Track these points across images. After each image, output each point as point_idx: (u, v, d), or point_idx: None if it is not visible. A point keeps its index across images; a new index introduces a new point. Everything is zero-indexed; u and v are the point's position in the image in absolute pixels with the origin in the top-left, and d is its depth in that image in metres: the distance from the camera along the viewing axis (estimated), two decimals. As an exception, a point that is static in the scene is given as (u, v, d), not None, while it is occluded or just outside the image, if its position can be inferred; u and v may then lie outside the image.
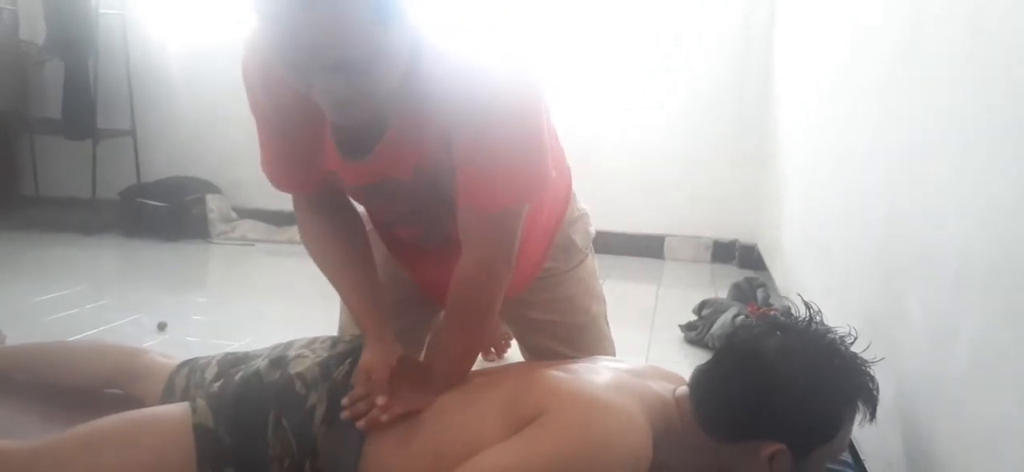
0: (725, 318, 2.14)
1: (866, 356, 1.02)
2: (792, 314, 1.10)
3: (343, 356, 1.18)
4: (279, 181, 1.23)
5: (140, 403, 1.38)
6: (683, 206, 3.38)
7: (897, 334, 1.14)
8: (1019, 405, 0.75)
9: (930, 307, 1.03)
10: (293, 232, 3.18)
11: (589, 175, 1.73)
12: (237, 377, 1.17)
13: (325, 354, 1.18)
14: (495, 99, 1.01)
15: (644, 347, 2.13)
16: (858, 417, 1.02)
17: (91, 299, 2.36)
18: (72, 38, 3.44)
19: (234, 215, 3.62)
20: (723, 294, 2.48)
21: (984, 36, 0.91)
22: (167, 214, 3.41)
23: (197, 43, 3.61)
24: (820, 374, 0.99)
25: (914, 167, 1.14)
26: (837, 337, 1.02)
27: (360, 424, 1.08)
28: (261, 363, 1.18)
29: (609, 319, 1.53)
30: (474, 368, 1.23)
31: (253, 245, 3.38)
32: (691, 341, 2.18)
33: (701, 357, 1.56)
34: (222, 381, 1.18)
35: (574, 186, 1.43)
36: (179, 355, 1.49)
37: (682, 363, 1.94)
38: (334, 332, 1.45)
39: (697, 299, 2.33)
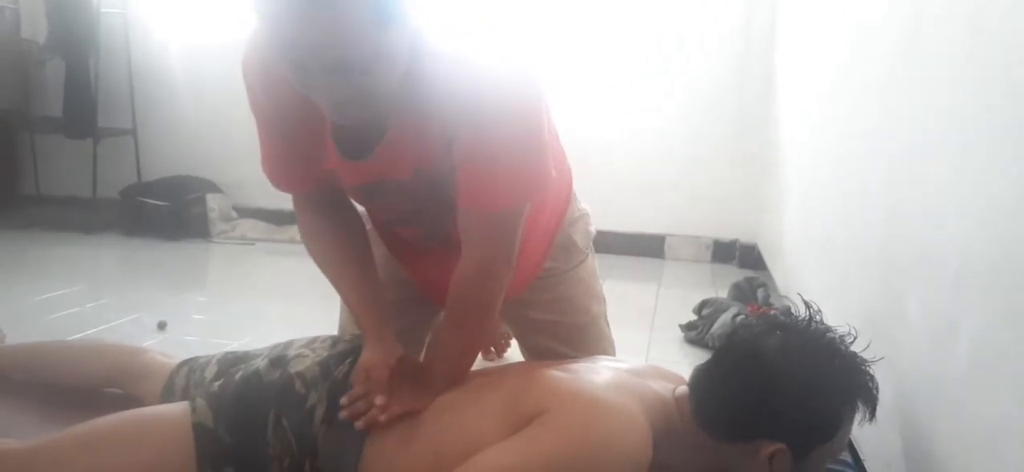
0: (725, 318, 2.14)
1: (866, 355, 1.02)
2: (792, 314, 1.10)
3: (343, 355, 1.18)
4: (279, 180, 1.23)
5: (140, 402, 1.38)
6: (683, 206, 3.38)
7: (897, 334, 1.14)
8: (1019, 405, 0.75)
9: (930, 307, 1.03)
10: (293, 231, 3.17)
11: (589, 175, 1.73)
12: (237, 376, 1.17)
13: (325, 353, 1.18)
14: (495, 99, 1.01)
15: (644, 347, 2.13)
16: (858, 416, 1.02)
17: (91, 298, 2.36)
18: (73, 37, 3.44)
19: (234, 214, 3.62)
20: (723, 294, 2.47)
21: (984, 36, 0.91)
22: (168, 213, 3.41)
23: (198, 42, 3.61)
24: (820, 373, 0.99)
25: (914, 167, 1.14)
26: (837, 336, 1.02)
27: (359, 424, 1.08)
28: (261, 362, 1.18)
29: (609, 319, 1.53)
30: (474, 368, 1.23)
31: (253, 244, 3.38)
32: (691, 341, 2.18)
33: (701, 357, 1.55)
34: (222, 380, 1.18)
35: (574, 186, 1.43)
36: (179, 354, 1.49)
37: (682, 363, 1.93)
38: (334, 331, 1.44)
39: (697, 299, 2.33)
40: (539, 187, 1.12)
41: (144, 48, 3.68)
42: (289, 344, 1.24)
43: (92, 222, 3.41)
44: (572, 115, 3.01)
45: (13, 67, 3.69)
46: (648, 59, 3.27)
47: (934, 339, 1.00)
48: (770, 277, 2.72)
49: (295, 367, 1.15)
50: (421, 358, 1.37)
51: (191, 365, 1.38)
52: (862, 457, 1.29)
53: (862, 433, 1.16)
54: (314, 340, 1.24)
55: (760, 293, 2.40)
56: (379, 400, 1.09)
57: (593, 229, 1.49)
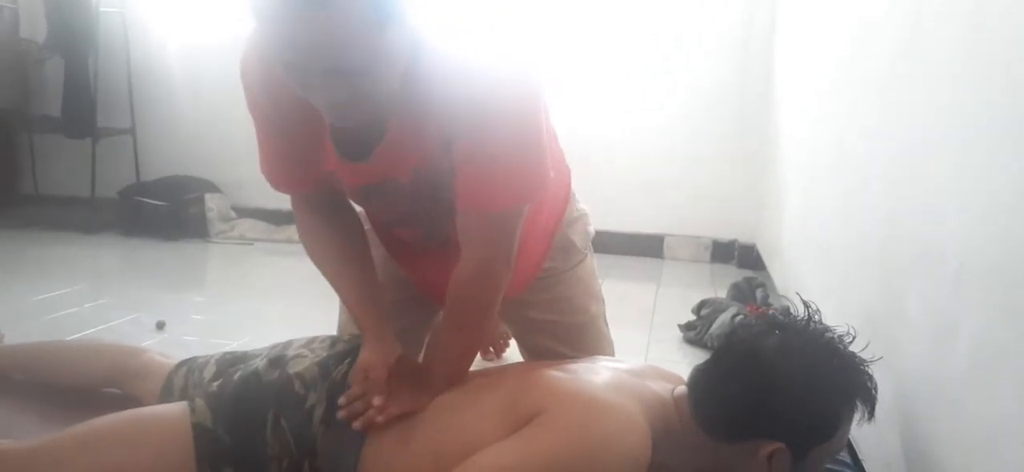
0: (724, 318, 2.14)
1: (865, 355, 1.02)
2: (791, 313, 1.09)
3: (342, 356, 1.18)
4: (277, 181, 1.23)
5: (138, 402, 1.38)
6: (682, 206, 3.38)
7: (897, 333, 1.14)
8: (1019, 404, 0.75)
9: (930, 305, 1.02)
10: (292, 231, 3.17)
11: (589, 175, 1.73)
12: (236, 377, 1.16)
13: (324, 354, 1.18)
14: (494, 100, 1.00)
15: (643, 347, 2.13)
16: (857, 416, 1.02)
17: (90, 298, 2.36)
18: (72, 36, 3.44)
19: (233, 214, 3.62)
20: (722, 294, 2.47)
21: (984, 33, 0.91)
22: (166, 213, 3.40)
23: (197, 42, 3.61)
24: (819, 373, 0.99)
25: (914, 165, 1.14)
26: (836, 336, 1.02)
27: (356, 424, 1.07)
28: (260, 363, 1.18)
29: (608, 319, 1.53)
30: (473, 368, 1.23)
31: (252, 244, 3.37)
32: (690, 341, 2.18)
33: (700, 357, 1.55)
34: (221, 381, 1.18)
35: (574, 186, 1.43)
36: (178, 354, 1.49)
37: (681, 363, 1.93)
38: (333, 332, 1.44)
39: (696, 299, 2.33)
40: (538, 187, 1.12)
41: (143, 47, 3.68)
42: (288, 344, 1.24)
43: (91, 222, 3.41)
44: (573, 114, 3.01)
45: (12, 66, 3.68)
46: (647, 59, 3.27)
47: (934, 338, 1.00)
48: (769, 277, 2.72)
49: (294, 367, 1.15)
50: (420, 358, 1.36)
51: (190, 365, 1.38)
52: (861, 457, 1.29)
53: (861, 433, 1.16)
54: (313, 340, 1.24)
55: (759, 293, 2.40)
56: (377, 400, 1.08)
57: (592, 229, 1.49)
